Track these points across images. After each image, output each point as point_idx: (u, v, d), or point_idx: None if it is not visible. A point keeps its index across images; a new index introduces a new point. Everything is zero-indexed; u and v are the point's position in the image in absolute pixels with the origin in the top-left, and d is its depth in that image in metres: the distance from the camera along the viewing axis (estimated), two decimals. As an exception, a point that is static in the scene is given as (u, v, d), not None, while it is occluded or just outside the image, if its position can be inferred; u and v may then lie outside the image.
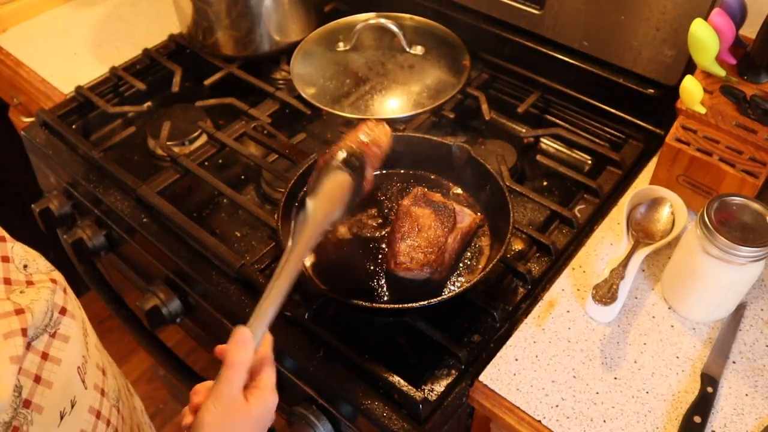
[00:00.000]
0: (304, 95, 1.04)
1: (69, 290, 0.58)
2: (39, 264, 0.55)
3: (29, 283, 0.52)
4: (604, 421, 0.70)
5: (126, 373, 0.84)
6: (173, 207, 0.91)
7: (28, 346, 0.49)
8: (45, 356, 0.51)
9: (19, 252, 0.54)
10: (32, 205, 1.05)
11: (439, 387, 0.73)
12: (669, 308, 0.79)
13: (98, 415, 0.57)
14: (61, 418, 0.52)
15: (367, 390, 0.73)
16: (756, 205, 0.71)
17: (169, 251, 0.88)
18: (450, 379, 0.74)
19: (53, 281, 0.54)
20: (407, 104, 1.02)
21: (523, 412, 0.71)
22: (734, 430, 0.68)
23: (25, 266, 0.53)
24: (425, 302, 0.72)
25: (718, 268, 0.71)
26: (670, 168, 0.85)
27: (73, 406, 0.53)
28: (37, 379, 0.50)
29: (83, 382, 0.55)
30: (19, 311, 0.48)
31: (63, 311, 0.54)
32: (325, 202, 0.66)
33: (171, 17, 1.29)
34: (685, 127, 0.83)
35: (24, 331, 0.48)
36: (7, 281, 0.50)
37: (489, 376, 0.74)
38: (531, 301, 0.81)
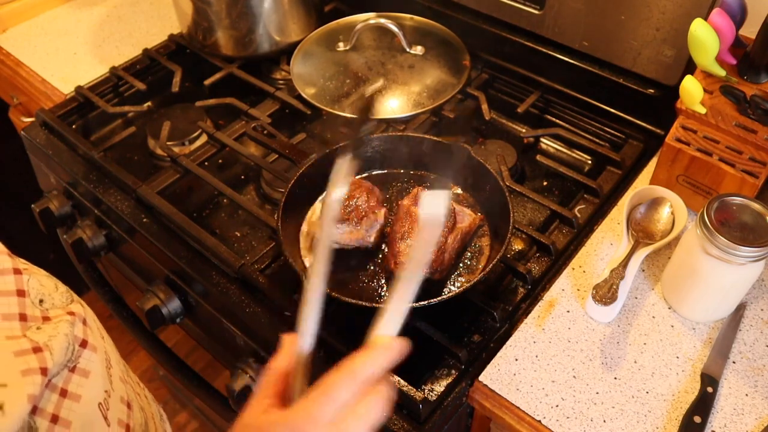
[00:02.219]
0: (304, 95, 1.04)
1: (90, 321, 0.55)
2: (55, 299, 0.53)
3: (45, 318, 0.50)
4: (604, 421, 0.70)
5: (126, 373, 0.83)
6: (173, 207, 0.91)
7: (48, 384, 0.47)
8: (64, 393, 0.49)
9: (35, 285, 0.52)
10: (32, 205, 1.05)
11: (439, 387, 0.73)
12: (669, 308, 0.79)
13: None
14: None
15: (367, 390, 0.73)
16: (756, 205, 0.71)
17: (169, 251, 0.88)
18: (450, 379, 0.74)
19: (71, 314, 0.52)
20: (407, 104, 1.02)
21: (523, 412, 0.71)
22: (734, 430, 0.68)
23: (41, 301, 0.51)
24: (425, 302, 0.72)
25: (718, 268, 0.71)
26: (670, 168, 0.85)
27: None
28: (54, 419, 0.47)
29: (105, 419, 0.53)
30: (37, 349, 0.46)
31: (84, 344, 0.52)
32: None
33: (171, 17, 1.29)
34: (685, 127, 0.83)
35: (44, 371, 0.45)
36: (23, 317, 0.48)
37: (489, 376, 0.74)
38: (531, 301, 0.81)
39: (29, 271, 0.52)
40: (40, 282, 0.52)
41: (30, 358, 0.45)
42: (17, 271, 0.50)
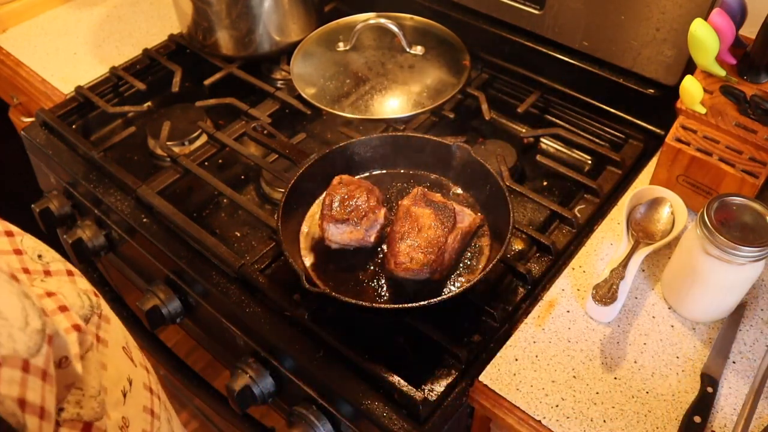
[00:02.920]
0: (304, 95, 1.04)
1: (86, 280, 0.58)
2: (53, 253, 0.54)
3: (47, 273, 0.51)
4: (604, 421, 0.70)
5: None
6: (173, 207, 0.91)
7: (79, 328, 0.48)
8: (98, 339, 0.51)
9: (31, 244, 0.53)
10: (32, 205, 1.05)
11: (439, 387, 0.73)
12: (669, 308, 0.79)
13: (151, 390, 0.57)
14: (124, 396, 0.51)
15: (367, 390, 0.73)
16: (756, 205, 0.71)
17: (169, 251, 0.88)
18: (450, 379, 0.74)
19: (70, 273, 0.54)
20: (407, 104, 1.02)
21: (523, 412, 0.71)
22: (733, 430, 0.68)
23: (40, 256, 0.52)
24: (425, 302, 0.72)
25: (718, 268, 0.71)
26: (670, 168, 0.85)
27: (131, 384, 0.53)
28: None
29: (132, 360, 0.55)
30: (50, 294, 0.47)
31: (96, 294, 0.54)
32: None
33: (171, 17, 1.29)
34: (685, 127, 0.83)
35: (63, 308, 0.47)
36: (27, 271, 0.50)
37: (489, 376, 0.74)
38: (531, 301, 0.81)
39: (20, 232, 0.53)
40: (34, 240, 0.54)
41: (46, 301, 0.46)
42: (9, 233, 0.51)
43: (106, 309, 0.54)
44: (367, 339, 0.77)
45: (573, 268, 0.84)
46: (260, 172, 0.99)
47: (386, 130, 1.01)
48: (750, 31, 0.82)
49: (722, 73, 0.82)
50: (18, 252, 0.50)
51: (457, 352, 0.74)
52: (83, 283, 0.54)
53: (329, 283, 0.80)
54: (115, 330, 0.54)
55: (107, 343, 0.52)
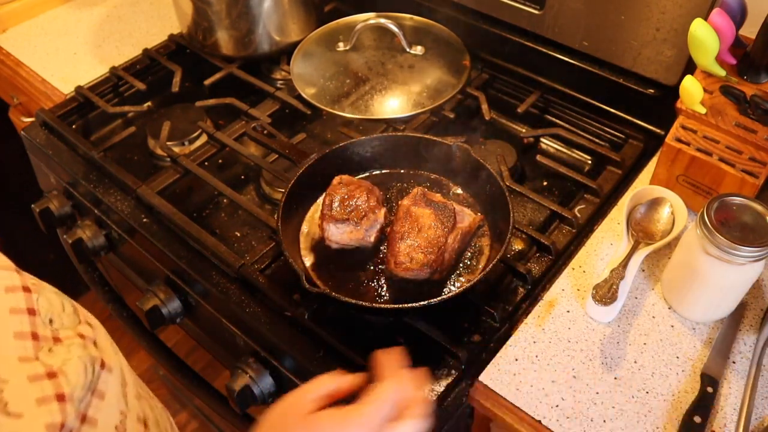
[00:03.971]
0: (304, 95, 1.04)
1: (102, 339, 0.54)
2: (64, 319, 0.52)
3: (56, 339, 0.49)
4: (604, 421, 0.70)
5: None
6: (173, 207, 0.91)
7: (62, 426, 0.45)
8: (84, 418, 0.48)
9: (44, 305, 0.50)
10: (32, 205, 1.05)
11: (439, 387, 0.73)
12: (669, 308, 0.79)
13: None
14: None
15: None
16: (756, 205, 0.71)
17: (169, 251, 0.88)
18: (450, 379, 0.74)
19: (81, 336, 0.51)
20: (407, 104, 1.02)
21: (523, 412, 0.71)
22: (734, 430, 0.68)
23: (51, 321, 0.50)
24: (425, 302, 0.72)
25: (718, 268, 0.71)
26: (670, 168, 0.85)
27: None
28: None
29: None
30: (51, 374, 0.45)
31: (102, 365, 0.51)
32: None
33: (171, 17, 1.29)
34: (685, 127, 0.83)
35: (60, 397, 0.45)
36: (35, 336, 0.47)
37: (489, 376, 0.74)
38: (531, 301, 0.81)
39: (37, 288, 0.50)
40: (49, 301, 0.51)
41: (45, 384, 0.44)
42: (26, 289, 0.49)
43: (103, 383, 0.51)
44: (367, 339, 0.77)
45: (573, 268, 0.84)
46: (260, 172, 0.99)
47: (386, 130, 1.01)
48: (750, 31, 0.82)
49: (722, 73, 0.82)
50: (32, 312, 0.48)
51: (457, 352, 0.74)
52: (93, 349, 0.51)
53: (329, 283, 0.80)
54: (109, 407, 0.51)
55: (96, 423, 0.48)
